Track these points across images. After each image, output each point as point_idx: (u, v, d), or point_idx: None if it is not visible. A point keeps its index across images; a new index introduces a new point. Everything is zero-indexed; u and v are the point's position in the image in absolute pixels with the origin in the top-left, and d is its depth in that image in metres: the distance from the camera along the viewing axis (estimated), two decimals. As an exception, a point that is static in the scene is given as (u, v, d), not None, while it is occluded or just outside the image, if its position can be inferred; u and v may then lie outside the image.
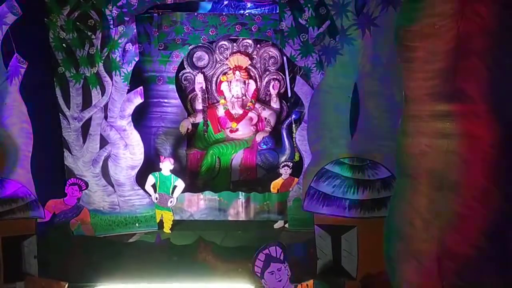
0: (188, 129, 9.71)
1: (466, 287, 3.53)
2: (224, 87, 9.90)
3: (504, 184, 3.45)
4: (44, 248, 6.11)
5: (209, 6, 10.02)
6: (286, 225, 8.23)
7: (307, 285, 3.69)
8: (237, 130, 9.75)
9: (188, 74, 10.04)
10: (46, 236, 6.35)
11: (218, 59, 10.04)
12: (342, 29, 5.83)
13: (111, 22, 7.93)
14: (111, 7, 7.89)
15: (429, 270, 3.59)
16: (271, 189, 8.54)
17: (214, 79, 10.09)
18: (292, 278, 3.69)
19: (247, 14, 9.78)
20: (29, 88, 6.32)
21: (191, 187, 8.87)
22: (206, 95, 9.89)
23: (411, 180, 3.64)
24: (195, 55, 9.98)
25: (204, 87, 9.87)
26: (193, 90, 10.03)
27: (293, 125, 9.38)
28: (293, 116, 9.40)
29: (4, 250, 5.93)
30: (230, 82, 9.83)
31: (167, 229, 8.21)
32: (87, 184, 7.24)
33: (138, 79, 8.65)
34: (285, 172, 8.43)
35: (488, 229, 3.48)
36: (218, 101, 9.98)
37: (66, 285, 5.80)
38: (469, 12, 3.37)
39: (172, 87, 9.75)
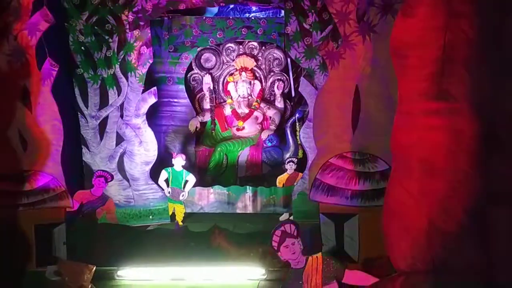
0: (196, 127, 10.40)
1: (452, 258, 4.25)
2: (230, 87, 10.61)
3: (483, 169, 4.17)
4: (72, 235, 6.82)
5: (215, 9, 10.74)
6: (291, 217, 8.92)
7: (316, 257, 4.39)
8: (243, 128, 10.45)
9: (196, 75, 10.75)
10: (74, 224, 7.06)
11: (225, 61, 10.76)
12: (344, 35, 6.56)
13: (127, 27, 8.66)
14: (127, 12, 8.61)
15: (420, 244, 4.32)
16: (277, 184, 9.25)
17: (221, 79, 10.81)
18: (304, 251, 4.41)
19: (252, 18, 10.51)
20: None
21: (200, 182, 9.57)
22: (214, 95, 10.61)
23: (404, 167, 4.37)
24: (203, 57, 10.70)
25: (211, 87, 10.58)
26: (201, 90, 10.74)
27: (297, 124, 10.10)
28: (297, 115, 10.13)
29: (36, 236, 6.62)
30: (237, 82, 10.54)
31: (179, 221, 8.86)
32: (112, 176, 7.92)
33: (149, 79, 9.33)
34: (290, 167, 9.14)
35: (470, 208, 4.19)
36: (225, 101, 10.69)
37: (94, 268, 6.47)
38: (453, 27, 4.09)
39: (182, 87, 10.46)
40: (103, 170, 7.88)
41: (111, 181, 7.81)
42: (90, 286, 6.35)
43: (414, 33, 4.22)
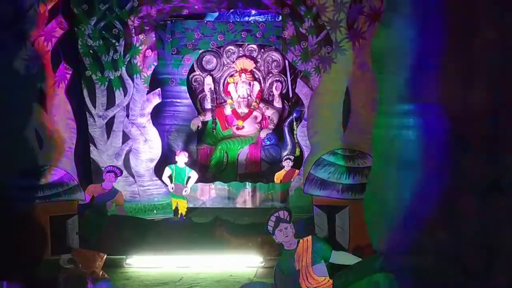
0: (198, 126, 11.06)
1: (425, 240, 4.94)
2: (231, 88, 11.27)
3: (452, 160, 4.87)
4: (84, 225, 7.51)
5: (216, 13, 11.37)
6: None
7: (307, 239, 5.08)
8: (243, 127, 11.10)
9: (198, 76, 11.42)
10: (86, 215, 7.75)
11: (226, 63, 11.43)
12: (336, 41, 7.27)
13: (133, 31, 9.33)
14: (133, 17, 9.29)
15: (399, 227, 5.01)
16: (275, 180, 9.93)
17: (222, 80, 11.47)
18: (295, 235, 5.10)
19: (252, 22, 11.16)
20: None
21: (202, 178, 10.24)
22: (215, 96, 11.27)
23: (383, 162, 5.07)
24: (204, 59, 11.36)
25: (212, 88, 11.22)
26: (203, 91, 11.40)
27: (294, 123, 10.75)
28: (294, 115, 10.77)
29: (51, 227, 7.32)
30: (237, 83, 11.19)
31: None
32: (121, 171, 8.61)
33: (153, 81, 9.96)
34: (287, 164, 9.82)
35: (442, 194, 4.89)
36: (225, 101, 11.35)
37: (105, 256, 7.15)
38: (425, 37, 4.79)
39: (184, 88, 11.11)
40: (113, 166, 8.57)
41: (120, 175, 8.49)
42: (101, 273, 7.02)
43: (391, 42, 4.92)
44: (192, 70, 11.28)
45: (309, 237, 5.06)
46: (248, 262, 7.28)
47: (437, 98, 4.87)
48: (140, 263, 7.38)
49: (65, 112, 7.38)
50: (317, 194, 7.29)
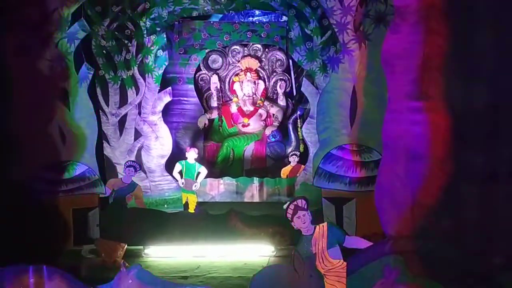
0: (205, 124, 11.51)
1: (430, 226, 5.53)
2: (236, 86, 11.75)
3: (455, 155, 5.46)
4: (105, 218, 8.03)
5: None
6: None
7: (322, 225, 5.65)
8: (248, 125, 11.58)
9: (204, 75, 11.88)
10: (106, 208, 8.28)
11: (231, 62, 11.90)
12: (343, 42, 7.85)
13: (145, 32, 9.82)
14: (145, 19, 9.78)
15: (405, 215, 5.59)
16: (281, 175, 10.47)
17: (227, 79, 11.94)
18: (312, 221, 5.67)
19: (257, 22, 11.67)
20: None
21: (210, 174, 10.73)
22: (221, 94, 11.76)
23: (392, 154, 5.66)
24: (210, 58, 11.82)
25: (218, 87, 11.69)
26: (209, 89, 11.85)
27: (298, 120, 11.26)
28: (298, 112, 11.27)
29: (74, 219, 7.86)
30: (242, 82, 11.66)
31: (191, 209, 9.90)
32: (140, 166, 9.13)
33: (162, 80, 10.37)
34: (293, 160, 10.37)
35: (445, 186, 5.47)
36: (231, 99, 11.83)
37: (126, 246, 7.68)
38: (430, 41, 5.38)
39: (191, 86, 11.57)
40: (132, 161, 9.09)
41: (139, 170, 9.02)
42: (122, 262, 7.54)
43: (400, 47, 5.51)
44: (198, 69, 11.71)
45: (325, 224, 5.62)
46: (261, 251, 7.83)
47: (441, 97, 5.46)
48: (157, 253, 7.89)
49: (87, 110, 7.90)
50: (325, 187, 7.90)
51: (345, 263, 5.58)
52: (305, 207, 5.59)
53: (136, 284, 5.79)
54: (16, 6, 7.27)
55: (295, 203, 5.60)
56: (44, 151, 7.67)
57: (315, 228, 5.61)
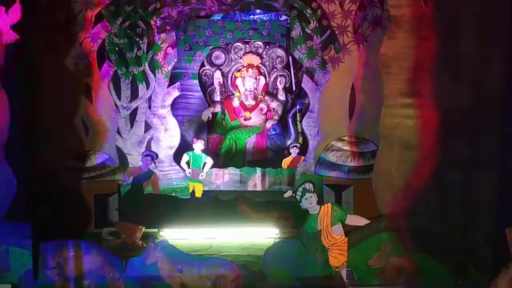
0: (209, 117, 12.23)
1: (420, 206, 6.56)
2: (238, 82, 12.48)
3: (442, 145, 6.49)
4: (123, 202, 8.93)
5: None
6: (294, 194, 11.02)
7: (327, 206, 6.65)
8: (250, 118, 12.28)
9: (207, 71, 12.59)
10: (125, 194, 9.19)
11: (233, 58, 12.63)
12: (343, 43, 8.85)
13: (155, 30, 10.60)
14: (155, 18, 10.53)
15: (399, 197, 6.63)
16: (282, 165, 11.29)
17: (230, 75, 12.66)
18: (318, 202, 6.65)
19: (258, 20, 12.44)
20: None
21: (214, 165, 11.57)
22: (223, 89, 12.54)
23: (388, 144, 6.69)
24: (213, 55, 12.56)
25: (221, 82, 12.41)
26: (212, 84, 12.55)
27: (297, 114, 12.02)
28: (297, 107, 12.00)
29: (95, 204, 8.76)
30: (244, 77, 12.35)
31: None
32: (157, 155, 9.98)
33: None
34: (294, 151, 11.23)
35: (433, 171, 6.51)
36: (233, 94, 12.54)
37: (143, 228, 8.60)
38: (422, 47, 6.41)
39: (196, 82, 12.27)
40: (150, 150, 9.96)
41: (156, 159, 9.91)
42: (140, 243, 8.49)
43: (395, 51, 6.54)
44: (202, 65, 12.41)
45: (329, 204, 6.64)
46: (267, 234, 8.75)
47: (430, 95, 6.50)
48: (172, 235, 8.68)
49: (108, 104, 8.81)
50: (326, 175, 8.92)
51: (346, 238, 6.58)
52: (312, 189, 6.59)
53: (163, 257, 6.78)
54: (46, 9, 8.14)
55: (303, 186, 6.60)
56: (69, 141, 8.55)
57: (320, 208, 6.62)
